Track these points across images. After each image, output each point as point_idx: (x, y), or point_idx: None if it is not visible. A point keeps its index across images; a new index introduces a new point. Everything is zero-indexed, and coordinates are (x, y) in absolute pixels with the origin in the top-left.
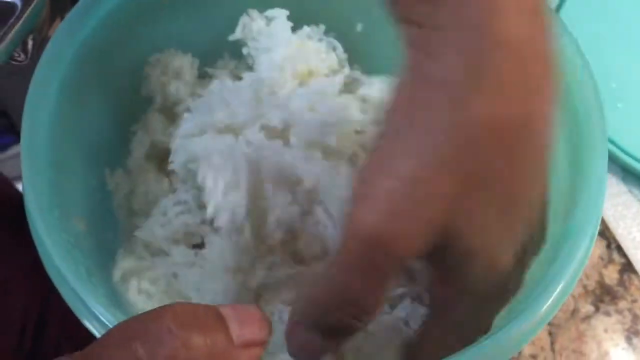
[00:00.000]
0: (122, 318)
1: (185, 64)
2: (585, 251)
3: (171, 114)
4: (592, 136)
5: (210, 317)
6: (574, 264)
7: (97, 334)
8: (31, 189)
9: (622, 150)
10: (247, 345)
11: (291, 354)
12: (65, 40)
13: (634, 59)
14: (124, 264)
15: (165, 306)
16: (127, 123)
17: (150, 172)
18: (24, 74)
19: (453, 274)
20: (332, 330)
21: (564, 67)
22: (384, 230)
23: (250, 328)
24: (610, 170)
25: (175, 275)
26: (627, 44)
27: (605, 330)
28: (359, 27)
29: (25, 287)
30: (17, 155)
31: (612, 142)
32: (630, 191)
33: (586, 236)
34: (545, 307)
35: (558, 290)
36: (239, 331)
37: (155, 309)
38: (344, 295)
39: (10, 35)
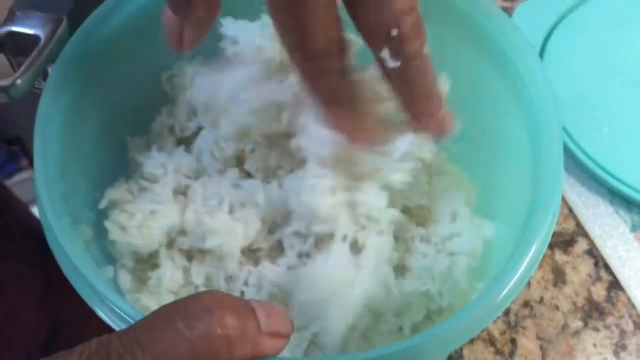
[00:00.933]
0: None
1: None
2: (549, 226)
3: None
4: (548, 124)
5: (242, 305)
6: (541, 236)
7: (111, 323)
8: (46, 197)
9: (609, 174)
10: (273, 335)
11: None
12: (70, 64)
13: (620, 87)
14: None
15: (204, 291)
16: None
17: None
18: (37, 100)
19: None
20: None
21: (516, 61)
22: None
23: (276, 321)
24: (597, 192)
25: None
26: (613, 73)
27: (594, 345)
28: None
29: (35, 315)
30: (24, 180)
31: (599, 165)
32: (616, 212)
33: (549, 213)
34: (517, 275)
35: (526, 262)
36: (266, 321)
37: (194, 293)
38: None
39: (33, 67)
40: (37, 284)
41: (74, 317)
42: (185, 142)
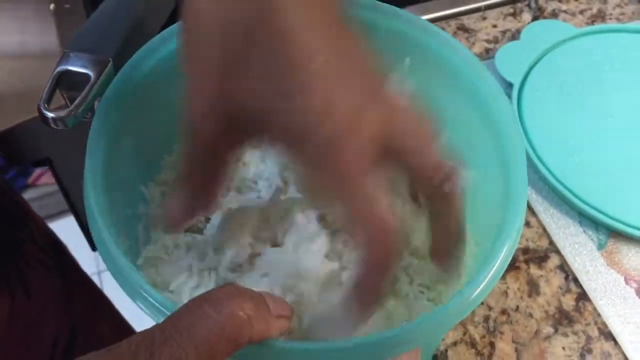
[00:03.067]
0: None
1: None
2: (514, 240)
3: None
4: (513, 145)
5: (254, 293)
6: (508, 245)
7: (150, 314)
8: (96, 209)
9: (578, 197)
10: (280, 316)
11: None
12: (113, 98)
13: (589, 120)
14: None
15: (224, 284)
16: (155, 169)
17: None
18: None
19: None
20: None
21: (486, 98)
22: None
23: (281, 306)
24: (567, 214)
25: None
26: (583, 108)
27: (564, 349)
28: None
29: (57, 316)
30: (34, 199)
31: (568, 189)
32: (585, 232)
33: (514, 230)
34: (492, 272)
35: (494, 269)
36: (273, 306)
37: (215, 287)
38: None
39: (85, 101)
40: (58, 289)
41: (90, 321)
42: None
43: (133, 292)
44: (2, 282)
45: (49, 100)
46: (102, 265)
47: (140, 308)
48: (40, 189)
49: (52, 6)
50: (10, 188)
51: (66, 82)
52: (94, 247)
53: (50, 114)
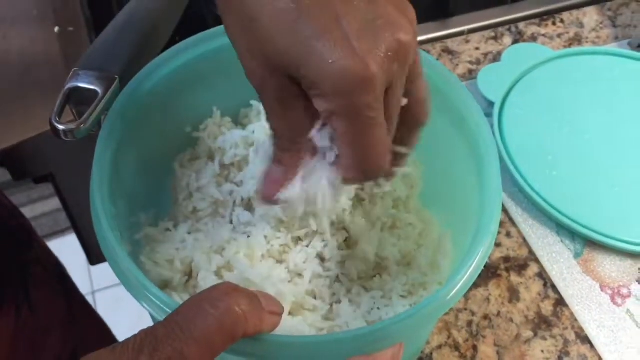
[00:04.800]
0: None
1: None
2: (489, 245)
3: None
4: (489, 159)
5: (248, 291)
6: (483, 249)
7: (154, 313)
8: (103, 216)
9: (556, 209)
10: (272, 313)
11: None
12: (119, 114)
13: (567, 137)
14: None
15: (219, 283)
16: (155, 182)
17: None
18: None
19: None
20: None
21: (466, 115)
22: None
23: (273, 304)
24: (545, 224)
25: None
26: (561, 125)
27: (542, 352)
28: None
29: (60, 337)
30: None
31: (547, 202)
32: (562, 241)
33: (489, 234)
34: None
35: (469, 272)
36: (265, 303)
37: (212, 285)
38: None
39: (93, 115)
40: (62, 310)
41: (90, 346)
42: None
43: (138, 293)
44: (10, 300)
45: (60, 114)
46: (96, 286)
47: (145, 307)
48: (37, 208)
49: (56, 29)
50: (17, 211)
51: (75, 98)
52: (92, 261)
53: (61, 127)
